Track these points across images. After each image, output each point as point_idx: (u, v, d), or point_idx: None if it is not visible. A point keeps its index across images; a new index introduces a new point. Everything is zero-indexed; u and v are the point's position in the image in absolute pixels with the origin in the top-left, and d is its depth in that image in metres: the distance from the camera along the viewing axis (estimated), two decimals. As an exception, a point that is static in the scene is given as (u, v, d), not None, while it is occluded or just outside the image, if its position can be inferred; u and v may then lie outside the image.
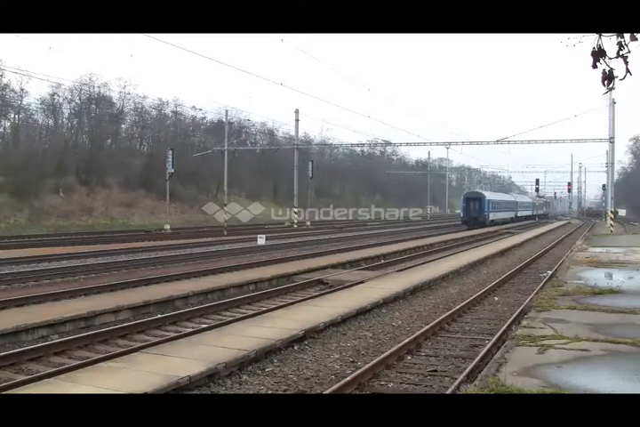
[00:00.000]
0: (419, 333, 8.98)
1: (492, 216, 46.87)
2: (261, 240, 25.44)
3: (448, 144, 44.24)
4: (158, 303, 11.32)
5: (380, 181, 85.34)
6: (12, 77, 45.46)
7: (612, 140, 35.28)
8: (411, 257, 21.47)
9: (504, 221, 50.60)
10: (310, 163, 45.58)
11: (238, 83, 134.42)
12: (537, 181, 65.41)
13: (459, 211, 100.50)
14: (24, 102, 46.83)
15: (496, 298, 13.04)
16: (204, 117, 61.08)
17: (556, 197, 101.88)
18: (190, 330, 9.27)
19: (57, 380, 6.32)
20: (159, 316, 10.49)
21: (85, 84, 49.37)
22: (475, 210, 45.10)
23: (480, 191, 52.72)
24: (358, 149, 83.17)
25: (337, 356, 8.09)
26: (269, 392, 6.57)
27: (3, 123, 48.13)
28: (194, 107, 59.29)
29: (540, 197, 77.10)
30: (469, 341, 9.09)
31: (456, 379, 6.72)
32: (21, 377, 6.83)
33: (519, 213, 58.50)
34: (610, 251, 20.71)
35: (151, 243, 25.52)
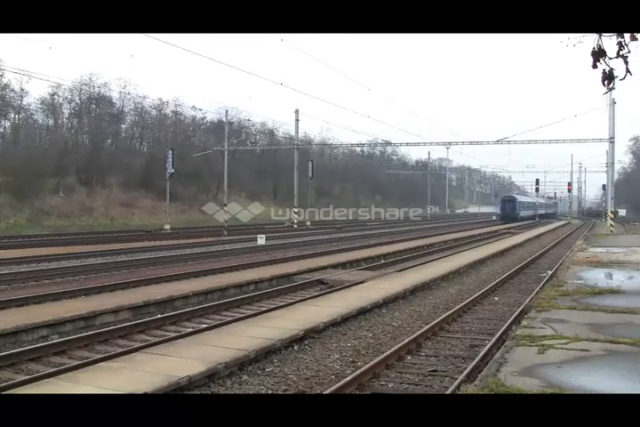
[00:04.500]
0: (419, 333, 8.98)
1: (521, 213, 60.17)
2: (261, 240, 25.45)
3: (448, 144, 44.25)
4: (158, 303, 11.32)
5: (380, 181, 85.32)
6: (12, 77, 45.33)
7: (612, 140, 35.29)
8: (411, 257, 21.46)
9: (528, 218, 62.33)
10: (310, 163, 45.61)
11: (238, 83, 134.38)
12: (537, 181, 65.98)
13: (458, 211, 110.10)
14: (24, 102, 46.93)
15: (496, 298, 13.05)
16: (204, 117, 61.16)
17: (556, 197, 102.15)
18: (190, 330, 9.27)
19: (57, 380, 6.32)
20: (159, 316, 10.49)
21: (85, 84, 49.44)
22: (509, 209, 59.22)
23: (513, 195, 69.92)
24: (358, 149, 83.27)
25: (337, 356, 8.09)
26: (269, 392, 6.57)
27: (3, 123, 48.21)
28: (194, 107, 59.37)
29: (550, 198, 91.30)
30: (469, 341, 9.09)
31: (456, 379, 6.72)
32: (21, 377, 6.83)
33: (538, 212, 68.63)
34: (610, 251, 20.70)
35: (151, 243, 25.51)
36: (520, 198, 64.94)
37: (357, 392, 6.55)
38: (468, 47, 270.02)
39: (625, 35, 3.87)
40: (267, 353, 7.81)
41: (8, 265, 16.49)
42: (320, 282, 14.65)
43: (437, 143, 44.64)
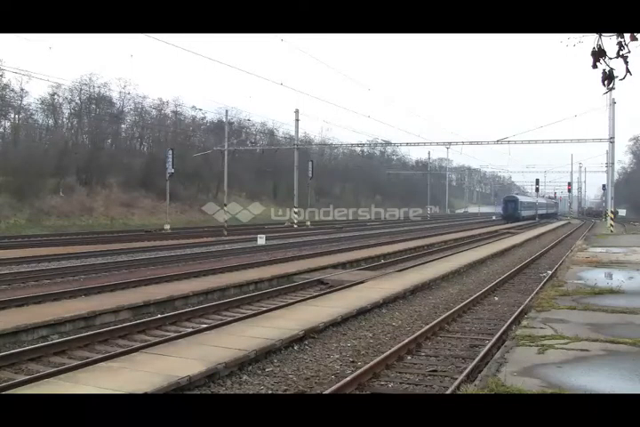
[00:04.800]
0: (419, 333, 8.98)
1: (523, 213, 62.13)
2: (261, 240, 25.44)
3: (448, 144, 44.22)
4: (158, 303, 11.32)
5: (380, 181, 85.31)
6: (12, 77, 45.28)
7: (612, 140, 35.29)
8: (411, 257, 21.46)
9: (529, 218, 63.87)
10: (310, 163, 45.61)
11: (238, 83, 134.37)
12: (537, 181, 66.32)
13: (458, 211, 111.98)
14: (24, 102, 46.92)
15: (496, 298, 13.05)
16: (204, 117, 61.15)
17: (556, 197, 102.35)
18: (190, 330, 9.27)
19: (57, 380, 6.32)
20: (159, 316, 10.49)
21: (85, 84, 49.44)
22: (511, 209, 61.10)
23: (515, 195, 71.05)
24: (358, 149, 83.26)
25: (337, 356, 8.09)
26: (269, 392, 6.57)
27: (3, 123, 48.19)
28: (194, 107, 59.41)
29: (550, 198, 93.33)
30: (469, 341, 9.09)
31: (456, 379, 6.72)
32: (21, 377, 6.83)
33: (538, 212, 70.17)
34: (610, 251, 20.70)
35: (151, 243, 25.51)
36: (522, 199, 66.79)
37: (357, 392, 6.55)
38: (468, 47, 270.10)
39: (625, 35, 3.87)
40: (267, 353, 7.81)
41: (8, 265, 16.49)
42: (320, 282, 14.65)
43: (437, 143, 44.64)
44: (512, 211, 60.79)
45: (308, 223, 44.68)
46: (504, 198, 67.10)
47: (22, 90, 45.54)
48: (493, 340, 8.48)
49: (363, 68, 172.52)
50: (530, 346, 6.96)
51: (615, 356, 6.51)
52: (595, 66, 4.08)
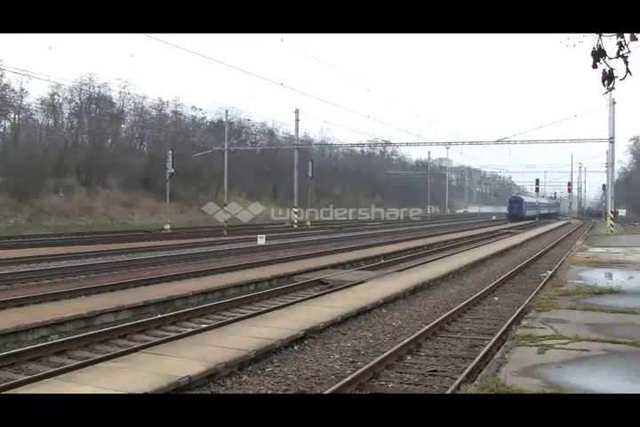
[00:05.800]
0: (419, 333, 8.98)
1: (527, 213, 65.31)
2: (261, 240, 25.44)
3: (448, 144, 44.15)
4: (158, 303, 11.32)
5: (380, 181, 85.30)
6: (12, 77, 45.19)
7: (612, 140, 35.27)
8: (411, 257, 21.47)
9: (532, 217, 66.65)
10: (310, 163, 45.59)
11: (238, 83, 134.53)
12: (537, 181, 66.50)
13: (458, 211, 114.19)
14: (24, 102, 46.81)
15: (496, 298, 13.05)
16: (204, 117, 61.14)
17: (556, 196, 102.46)
18: (190, 330, 9.27)
19: (57, 380, 6.32)
20: (159, 316, 10.49)
21: (85, 84, 49.37)
22: (516, 209, 64.36)
23: (520, 195, 75.52)
24: (358, 149, 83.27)
25: (337, 356, 8.09)
26: (269, 392, 6.57)
27: (3, 123, 48.10)
28: (194, 107, 59.36)
29: (552, 198, 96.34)
30: (469, 341, 9.09)
31: (456, 379, 6.72)
32: (21, 377, 6.83)
33: (540, 212, 73.39)
34: (610, 251, 20.70)
35: (151, 243, 25.51)
36: (526, 199, 70.67)
37: (357, 392, 6.55)
38: (468, 47, 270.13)
39: (625, 35, 3.88)
40: (267, 353, 7.82)
41: (8, 265, 16.48)
42: (320, 282, 14.65)
43: (437, 143, 44.56)
44: (517, 211, 63.85)
45: (308, 223, 44.66)
46: (509, 199, 70.55)
47: (22, 90, 45.50)
48: (493, 340, 8.48)
49: (363, 68, 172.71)
50: (530, 346, 6.96)
51: (615, 356, 6.52)
52: (595, 66, 4.08)
